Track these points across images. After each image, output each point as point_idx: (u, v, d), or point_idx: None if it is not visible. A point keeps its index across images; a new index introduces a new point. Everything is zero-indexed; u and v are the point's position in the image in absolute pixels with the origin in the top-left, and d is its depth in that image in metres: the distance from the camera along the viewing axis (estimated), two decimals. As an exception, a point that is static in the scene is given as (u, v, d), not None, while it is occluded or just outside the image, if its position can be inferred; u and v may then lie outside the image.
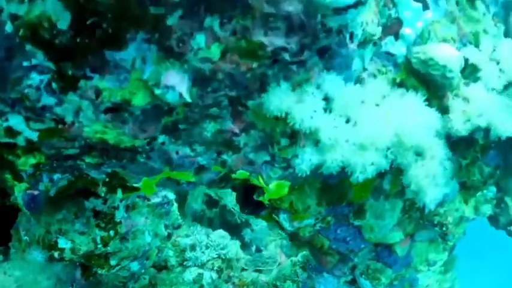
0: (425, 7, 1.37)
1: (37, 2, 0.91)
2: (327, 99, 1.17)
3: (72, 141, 1.16)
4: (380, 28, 1.28)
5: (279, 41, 1.09)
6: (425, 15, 1.36)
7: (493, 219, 1.71)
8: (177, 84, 1.03)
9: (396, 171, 1.33)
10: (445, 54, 1.30)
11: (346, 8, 1.05)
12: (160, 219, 1.62)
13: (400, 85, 1.38)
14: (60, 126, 1.13)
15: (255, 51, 1.08)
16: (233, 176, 1.31)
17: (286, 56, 1.11)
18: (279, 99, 1.11)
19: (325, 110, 1.17)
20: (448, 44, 1.36)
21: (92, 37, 0.96)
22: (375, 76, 1.33)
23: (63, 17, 0.91)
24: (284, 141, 1.23)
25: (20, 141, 1.15)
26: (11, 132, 1.13)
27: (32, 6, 0.92)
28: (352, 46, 1.22)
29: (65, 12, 0.91)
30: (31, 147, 1.17)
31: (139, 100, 1.06)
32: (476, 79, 1.40)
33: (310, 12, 1.08)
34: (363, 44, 1.25)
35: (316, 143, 1.16)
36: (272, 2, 1.05)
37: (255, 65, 1.10)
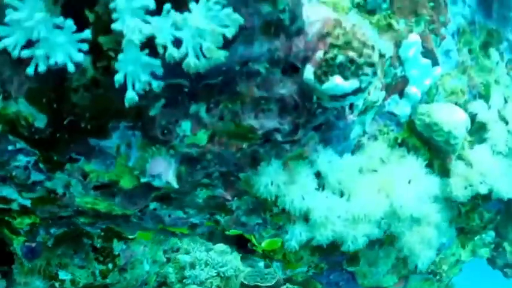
0: (435, 63, 1.26)
1: (10, 102, 0.85)
2: (320, 175, 1.11)
3: (64, 207, 1.13)
4: (384, 92, 1.18)
5: (270, 123, 1.00)
6: (434, 72, 1.24)
7: (490, 260, 1.66)
8: (163, 172, 0.97)
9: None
10: (451, 120, 1.19)
11: (344, 96, 0.96)
12: (159, 245, 1.61)
13: (402, 144, 1.30)
14: (52, 195, 1.10)
15: (245, 134, 1.00)
16: (226, 233, 1.28)
17: (279, 137, 1.04)
18: (269, 180, 1.05)
19: (318, 186, 1.11)
20: (455, 106, 1.25)
21: (72, 132, 0.90)
22: (375, 138, 1.24)
23: (39, 118, 0.84)
24: (276, 209, 1.17)
25: (14, 206, 1.11)
26: (4, 200, 1.10)
27: (7, 104, 0.85)
28: (352, 117, 1.12)
29: (40, 114, 0.85)
30: (25, 211, 1.15)
31: (127, 183, 1.00)
32: (483, 140, 1.31)
33: (305, 94, 0.99)
34: (363, 111, 1.16)
35: (307, 220, 1.11)
36: (263, 86, 0.96)
37: (245, 145, 1.03)
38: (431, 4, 1.23)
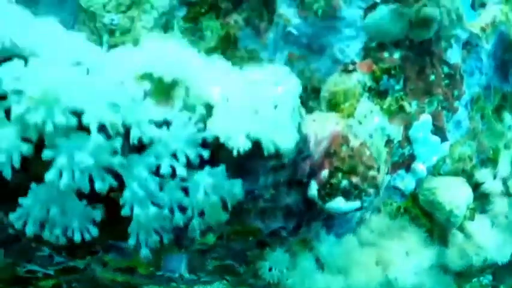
0: (444, 139, 1.24)
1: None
2: (321, 259, 1.17)
3: (85, 276, 1.22)
4: (389, 176, 1.19)
5: (276, 225, 1.05)
6: (442, 148, 1.24)
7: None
8: (176, 267, 1.05)
9: None
10: (453, 200, 1.21)
11: (348, 212, 0.99)
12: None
13: (404, 212, 1.32)
14: (74, 268, 1.19)
15: (251, 232, 1.06)
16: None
17: (284, 233, 1.09)
18: (273, 265, 1.11)
19: (318, 267, 1.17)
20: (459, 182, 1.25)
21: (90, 247, 0.97)
22: (379, 210, 1.27)
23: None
24: (280, 278, 1.26)
25: (39, 274, 1.22)
26: (29, 271, 1.19)
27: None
28: (355, 204, 1.16)
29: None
30: (49, 276, 1.25)
31: (143, 271, 1.09)
32: (485, 210, 1.33)
33: (310, 202, 1.02)
34: (367, 195, 1.18)
35: (308, 296, 1.19)
36: (269, 200, 0.99)
37: (251, 238, 1.09)
38: (446, 82, 1.20)
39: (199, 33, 1.32)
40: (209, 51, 1.30)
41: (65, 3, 1.48)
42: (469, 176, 1.33)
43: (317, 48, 1.22)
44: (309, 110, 1.26)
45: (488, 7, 1.29)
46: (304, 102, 1.24)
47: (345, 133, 0.96)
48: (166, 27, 1.34)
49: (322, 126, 0.95)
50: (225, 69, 0.77)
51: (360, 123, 1.09)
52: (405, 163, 1.24)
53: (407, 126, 1.17)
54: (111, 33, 1.37)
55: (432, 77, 1.17)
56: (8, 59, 0.63)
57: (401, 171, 1.25)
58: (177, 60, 0.71)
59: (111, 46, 1.35)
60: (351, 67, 1.16)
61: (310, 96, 1.26)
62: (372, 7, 1.14)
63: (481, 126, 1.35)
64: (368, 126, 1.10)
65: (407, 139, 1.19)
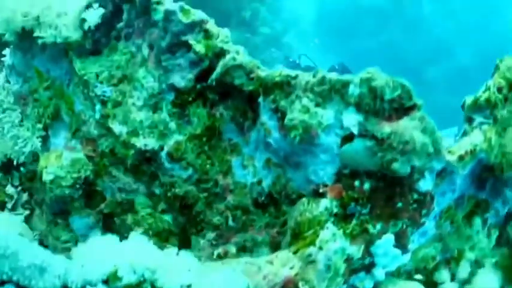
0: (406, 251, 1.35)
1: None
2: None
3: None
4: (345, 285, 1.33)
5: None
6: (403, 258, 1.35)
7: None
8: None
9: None
10: None
11: None
12: None
13: (362, 300, 1.48)
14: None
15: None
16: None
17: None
18: None
19: None
20: (416, 285, 1.39)
21: None
22: (337, 301, 1.43)
23: None
24: None
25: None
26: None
27: None
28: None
29: None
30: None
31: None
32: (440, 307, 1.47)
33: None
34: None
35: None
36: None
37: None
38: (414, 206, 1.28)
39: (186, 118, 1.41)
40: (195, 138, 1.41)
41: (60, 62, 1.56)
42: (429, 273, 1.47)
43: (293, 163, 1.30)
44: (282, 214, 1.39)
45: (474, 125, 1.32)
46: (279, 204, 1.38)
47: (296, 280, 1.10)
48: (155, 108, 1.43)
49: (277, 271, 1.10)
50: (187, 267, 0.91)
51: (321, 248, 1.23)
52: (364, 267, 1.38)
53: (368, 244, 1.29)
54: (103, 103, 1.47)
55: (399, 204, 1.26)
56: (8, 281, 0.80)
57: (361, 273, 1.40)
58: (145, 262, 0.86)
59: (103, 116, 1.47)
60: (321, 189, 1.25)
61: (285, 202, 1.37)
62: (350, 137, 1.21)
63: (449, 230, 1.45)
64: (328, 250, 1.23)
65: (369, 253, 1.32)
